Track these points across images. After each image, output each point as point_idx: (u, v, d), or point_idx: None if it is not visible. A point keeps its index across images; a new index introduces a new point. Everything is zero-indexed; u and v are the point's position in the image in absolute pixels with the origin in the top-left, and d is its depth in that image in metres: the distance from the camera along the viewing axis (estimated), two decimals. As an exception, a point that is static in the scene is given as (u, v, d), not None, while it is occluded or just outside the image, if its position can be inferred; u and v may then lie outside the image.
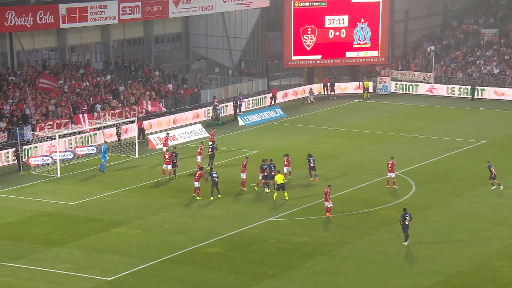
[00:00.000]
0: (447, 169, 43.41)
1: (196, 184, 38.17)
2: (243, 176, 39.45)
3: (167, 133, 47.80)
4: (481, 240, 32.28)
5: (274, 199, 37.52)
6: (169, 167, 41.60)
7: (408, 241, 31.76)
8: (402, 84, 66.26)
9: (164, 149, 44.62)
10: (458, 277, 28.53)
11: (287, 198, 37.58)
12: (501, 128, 53.52)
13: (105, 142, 46.51)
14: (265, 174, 38.91)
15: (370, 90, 64.84)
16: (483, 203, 37.18)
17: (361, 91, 64.79)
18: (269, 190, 38.89)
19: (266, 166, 38.98)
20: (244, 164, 39.61)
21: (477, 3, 77.87)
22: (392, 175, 39.14)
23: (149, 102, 53.20)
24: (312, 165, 40.65)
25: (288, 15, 65.11)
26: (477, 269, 29.29)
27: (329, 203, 35.25)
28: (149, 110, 53.14)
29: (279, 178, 37.29)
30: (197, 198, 38.20)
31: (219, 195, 38.27)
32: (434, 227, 34.05)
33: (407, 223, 31.65)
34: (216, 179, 37.90)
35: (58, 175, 42.50)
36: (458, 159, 45.45)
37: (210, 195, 38.10)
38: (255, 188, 39.53)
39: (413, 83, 66.07)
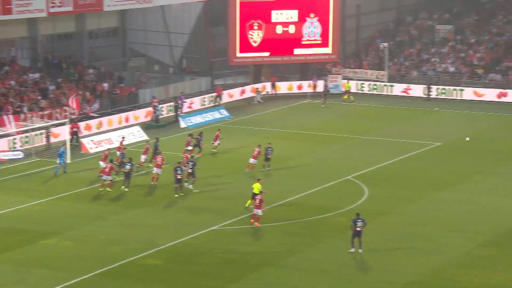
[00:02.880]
0: (402, 172, 44.02)
1: (109, 177, 39.77)
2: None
3: (123, 137, 47.28)
4: (436, 248, 32.77)
5: (246, 206, 37.23)
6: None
7: (361, 249, 32.00)
8: (376, 84, 66.33)
9: (118, 153, 43.98)
10: (413, 287, 28.88)
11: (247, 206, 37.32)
12: (458, 129, 54.55)
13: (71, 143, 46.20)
14: (178, 178, 39.41)
15: (321, 89, 65.31)
16: (438, 209, 37.78)
17: (312, 90, 65.31)
18: (177, 195, 39.29)
19: (179, 168, 39.52)
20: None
21: (432, -3, 79.45)
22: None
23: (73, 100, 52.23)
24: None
25: (233, 9, 65.15)
26: (433, 278, 29.72)
27: (260, 211, 35.18)
28: (74, 108, 52.22)
29: (256, 187, 36.72)
30: (108, 189, 39.71)
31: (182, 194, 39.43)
32: (387, 234, 34.43)
33: (358, 229, 31.90)
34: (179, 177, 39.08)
35: (-19, 183, 41.75)
36: (413, 162, 46.15)
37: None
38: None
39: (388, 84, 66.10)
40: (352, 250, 31.93)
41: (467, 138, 50.12)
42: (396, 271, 30.33)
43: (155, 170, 41.36)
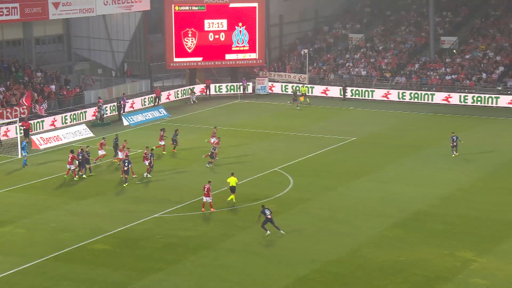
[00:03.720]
0: (322, 164, 44.73)
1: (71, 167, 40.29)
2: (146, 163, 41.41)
3: (103, 138, 46.09)
4: (352, 230, 33.40)
5: (228, 200, 36.65)
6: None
7: (282, 231, 32.47)
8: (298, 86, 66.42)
9: (100, 152, 43.41)
10: (332, 265, 29.45)
11: (234, 200, 36.69)
12: (370, 125, 55.68)
13: (25, 139, 45.31)
14: (125, 169, 39.77)
15: (250, 90, 65.69)
16: (353, 196, 38.51)
17: (242, 91, 65.72)
18: (125, 185, 39.54)
19: (126, 160, 39.93)
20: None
21: (344, 9, 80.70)
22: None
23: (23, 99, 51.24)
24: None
25: (168, 19, 64.95)
26: (349, 256, 30.34)
27: (209, 198, 35.46)
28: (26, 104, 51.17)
29: (232, 181, 36.42)
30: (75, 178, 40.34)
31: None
32: (310, 218, 34.99)
33: (269, 216, 32.27)
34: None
35: None
36: (332, 155, 46.93)
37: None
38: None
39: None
40: (268, 233, 32.35)
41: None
42: (317, 251, 30.91)
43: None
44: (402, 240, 32.01)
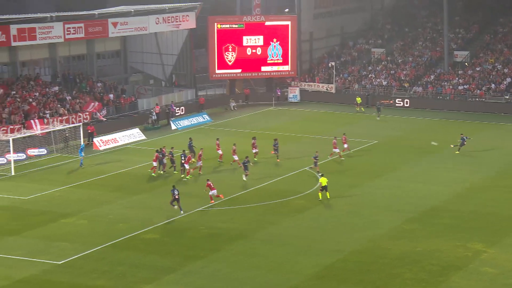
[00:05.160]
0: (346, 164, 44.39)
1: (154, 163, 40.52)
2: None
3: (217, 139, 45.56)
4: (372, 224, 33.16)
5: (320, 198, 36.21)
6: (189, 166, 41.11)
7: (182, 210, 33.66)
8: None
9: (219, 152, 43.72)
10: (355, 255, 29.26)
11: (328, 197, 36.24)
12: (390, 130, 55.12)
13: (85, 141, 45.71)
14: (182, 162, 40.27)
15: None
16: (374, 193, 38.16)
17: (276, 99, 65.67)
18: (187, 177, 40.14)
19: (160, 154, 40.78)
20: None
21: (368, 26, 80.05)
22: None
23: (93, 104, 51.85)
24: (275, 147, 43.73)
25: (212, 35, 65.24)
26: (370, 247, 30.11)
27: (215, 192, 35.72)
28: (92, 109, 51.72)
29: (323, 181, 36.14)
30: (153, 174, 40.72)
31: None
32: (335, 213, 34.77)
33: (177, 197, 33.67)
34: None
35: (12, 174, 41.26)
36: (356, 156, 46.56)
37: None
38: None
39: None
40: (175, 207, 33.86)
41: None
42: (342, 242, 30.72)
43: (198, 163, 41.11)
44: (418, 233, 31.67)
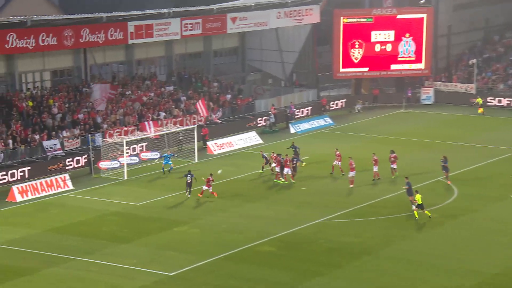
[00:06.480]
0: (487, 175, 42.59)
1: (205, 187, 39.53)
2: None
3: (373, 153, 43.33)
4: (520, 243, 31.55)
5: (416, 217, 35.04)
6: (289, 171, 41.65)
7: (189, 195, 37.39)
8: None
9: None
10: (497, 278, 27.93)
11: (429, 215, 34.77)
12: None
13: (168, 151, 46.41)
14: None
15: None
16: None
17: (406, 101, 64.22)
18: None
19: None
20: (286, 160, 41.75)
21: (518, 18, 76.36)
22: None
23: (201, 106, 52.98)
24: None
25: (337, 31, 64.91)
26: (517, 271, 28.64)
27: (210, 188, 38.53)
28: (202, 113, 52.87)
29: (419, 198, 35.05)
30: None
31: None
32: (475, 229, 33.48)
33: (189, 181, 38.31)
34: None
35: (125, 178, 43.18)
36: (498, 166, 44.53)
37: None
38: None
39: None
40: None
41: (219, 171, 41.92)
42: (484, 263, 29.42)
43: (350, 173, 40.28)
44: None
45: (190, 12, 56.32)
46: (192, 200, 38.90)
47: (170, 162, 44.21)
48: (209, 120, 54.50)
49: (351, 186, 40.24)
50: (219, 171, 40.98)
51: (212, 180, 39.31)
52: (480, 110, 60.67)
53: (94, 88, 50.06)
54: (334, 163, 42.99)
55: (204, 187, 38.99)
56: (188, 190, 39.09)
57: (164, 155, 45.12)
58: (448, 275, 28.41)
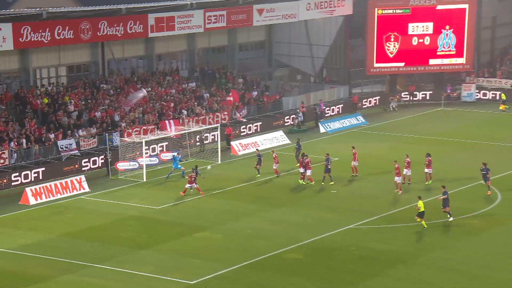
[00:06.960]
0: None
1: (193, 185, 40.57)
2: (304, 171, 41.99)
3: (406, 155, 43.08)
4: None
5: (425, 227, 34.38)
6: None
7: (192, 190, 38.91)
8: None
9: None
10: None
11: (425, 226, 34.49)
12: None
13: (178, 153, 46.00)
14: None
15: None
16: None
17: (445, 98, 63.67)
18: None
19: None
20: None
21: None
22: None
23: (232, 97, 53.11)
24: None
25: (371, 23, 64.62)
26: None
27: (195, 185, 39.74)
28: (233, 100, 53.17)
29: (421, 205, 34.58)
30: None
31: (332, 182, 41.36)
32: (519, 238, 33.09)
33: (195, 177, 39.44)
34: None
35: (144, 180, 43.45)
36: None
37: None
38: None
39: None
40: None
41: (209, 167, 44.02)
42: (526, 274, 29.13)
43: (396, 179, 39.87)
44: None
45: (214, 4, 56.47)
46: (214, 204, 39.04)
47: (179, 166, 43.83)
48: (233, 119, 54.62)
49: (398, 191, 39.85)
50: (209, 167, 41.16)
51: (195, 178, 40.13)
52: (502, 107, 60.00)
53: (141, 92, 50.55)
54: (352, 163, 42.93)
55: (187, 185, 39.72)
56: (192, 186, 40.07)
57: (174, 157, 44.50)
58: (483, 282, 28.17)
